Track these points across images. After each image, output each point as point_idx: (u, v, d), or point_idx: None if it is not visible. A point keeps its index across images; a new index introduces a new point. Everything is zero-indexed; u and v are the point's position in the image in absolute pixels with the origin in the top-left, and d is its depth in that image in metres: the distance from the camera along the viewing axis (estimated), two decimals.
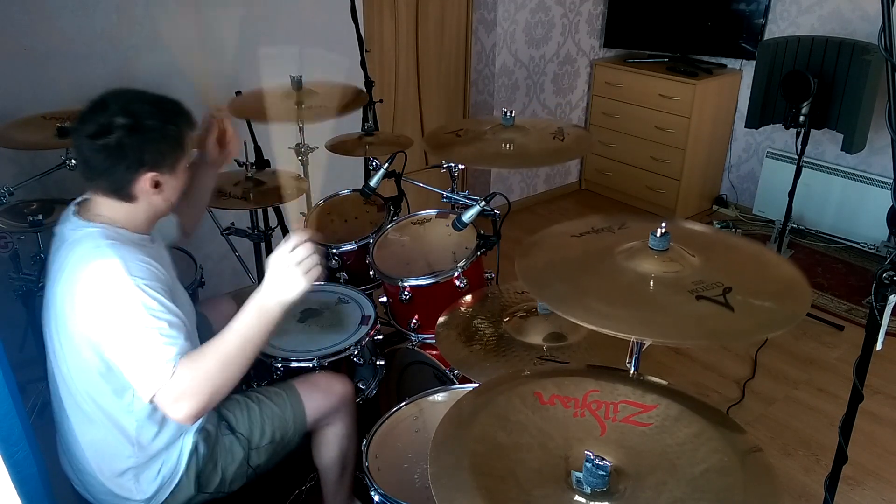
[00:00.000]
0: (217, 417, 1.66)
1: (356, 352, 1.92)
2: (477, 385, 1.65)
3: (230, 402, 1.70)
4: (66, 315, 1.40)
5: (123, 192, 1.45)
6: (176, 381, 1.35)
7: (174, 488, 1.57)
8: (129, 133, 1.40)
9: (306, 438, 1.81)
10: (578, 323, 1.18)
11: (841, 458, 1.49)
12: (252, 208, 2.41)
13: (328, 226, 2.55)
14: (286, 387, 1.76)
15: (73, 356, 1.43)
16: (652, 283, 1.26)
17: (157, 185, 1.46)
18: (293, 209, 2.55)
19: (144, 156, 1.42)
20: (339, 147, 2.53)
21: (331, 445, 1.82)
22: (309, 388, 1.76)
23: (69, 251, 1.42)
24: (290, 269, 1.39)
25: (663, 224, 1.29)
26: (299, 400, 1.73)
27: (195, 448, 1.58)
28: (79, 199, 1.53)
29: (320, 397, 1.76)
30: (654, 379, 1.29)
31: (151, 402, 1.38)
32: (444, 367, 1.95)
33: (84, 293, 1.37)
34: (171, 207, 1.55)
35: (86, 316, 1.37)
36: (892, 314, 1.36)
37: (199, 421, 1.60)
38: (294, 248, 1.39)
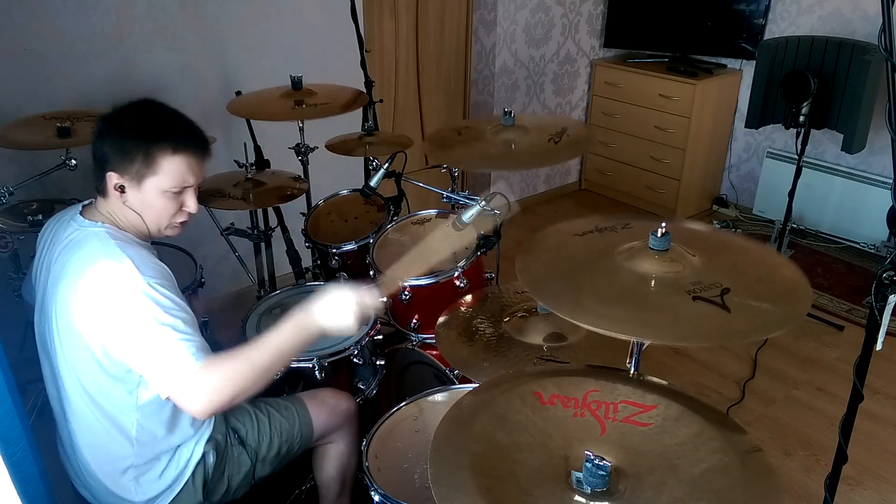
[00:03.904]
0: (227, 427, 1.65)
1: (356, 352, 1.92)
2: (477, 385, 1.66)
3: (240, 412, 1.70)
4: (71, 314, 1.39)
5: (99, 186, 1.49)
6: (204, 377, 1.34)
7: (178, 493, 1.56)
8: (111, 128, 1.46)
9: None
10: (573, 322, 1.18)
11: (841, 458, 1.49)
12: (252, 208, 2.41)
13: (328, 226, 2.55)
14: (295, 401, 1.76)
15: (77, 356, 1.42)
16: (653, 283, 1.25)
17: (121, 189, 1.46)
18: (293, 209, 2.55)
19: (108, 154, 1.46)
20: (339, 147, 2.53)
21: (332, 462, 1.82)
22: (317, 404, 1.76)
23: (73, 251, 1.42)
24: (351, 308, 1.44)
25: (663, 224, 1.29)
26: (307, 415, 1.74)
27: (204, 457, 1.58)
28: (85, 202, 1.55)
29: (327, 414, 1.76)
30: (654, 379, 1.29)
31: (169, 397, 1.37)
32: (444, 367, 1.95)
33: (93, 292, 1.36)
34: (148, 228, 1.52)
35: (95, 315, 1.37)
36: (892, 314, 1.36)
37: (210, 430, 1.60)
38: (367, 306, 1.47)
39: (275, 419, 1.71)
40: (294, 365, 1.87)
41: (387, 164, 2.23)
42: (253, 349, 1.40)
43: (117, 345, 1.37)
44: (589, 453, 1.02)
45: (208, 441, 1.60)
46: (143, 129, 1.47)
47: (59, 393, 1.51)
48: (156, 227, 1.53)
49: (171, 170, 1.48)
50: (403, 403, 1.72)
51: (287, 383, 1.90)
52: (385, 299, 1.52)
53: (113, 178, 1.45)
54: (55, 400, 1.54)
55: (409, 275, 1.89)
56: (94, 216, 1.49)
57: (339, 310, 1.44)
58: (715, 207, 4.38)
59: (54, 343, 1.46)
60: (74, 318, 1.39)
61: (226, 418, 1.66)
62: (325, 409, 1.76)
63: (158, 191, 1.48)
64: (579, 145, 2.20)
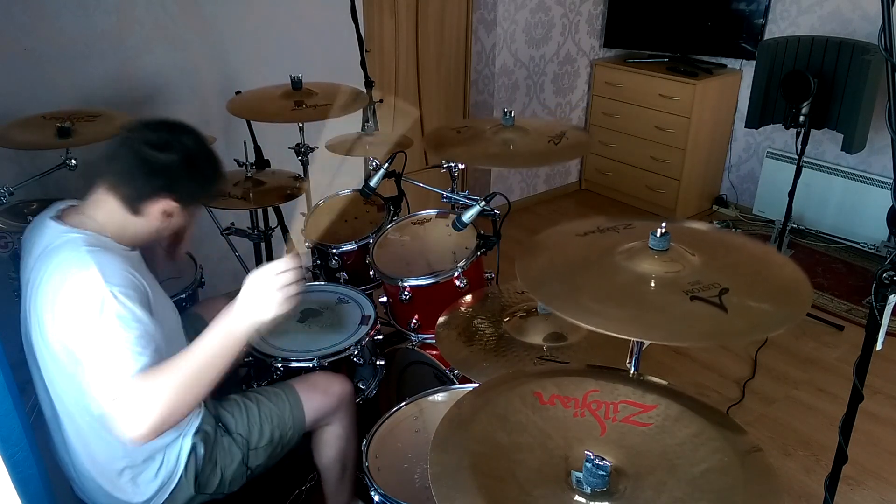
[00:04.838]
0: (215, 418, 1.65)
1: (356, 352, 1.92)
2: (477, 385, 1.66)
3: (228, 402, 1.70)
4: (45, 323, 1.38)
5: (135, 205, 1.46)
6: (131, 396, 1.29)
7: (173, 490, 1.57)
8: (182, 161, 1.45)
9: (307, 438, 1.81)
10: (570, 320, 1.19)
11: (841, 458, 1.49)
12: (252, 208, 2.41)
13: (328, 226, 2.55)
14: (285, 387, 1.75)
15: (55, 363, 1.41)
16: (652, 283, 1.26)
17: (168, 214, 1.49)
18: (293, 209, 2.56)
19: (180, 187, 1.47)
20: (339, 147, 2.53)
21: (330, 445, 1.82)
22: (308, 388, 1.76)
23: (49, 258, 1.40)
24: (273, 293, 1.34)
25: (663, 224, 1.29)
26: (298, 400, 1.73)
27: (193, 449, 1.58)
28: (61, 206, 1.52)
29: (319, 397, 1.76)
30: (654, 379, 1.29)
31: (105, 414, 1.32)
32: (444, 367, 1.95)
33: (61, 302, 1.35)
34: (157, 240, 1.58)
35: (62, 324, 1.35)
36: (892, 314, 1.36)
37: (197, 421, 1.60)
38: (282, 272, 1.35)
39: (264, 406, 1.70)
40: (295, 365, 1.87)
41: (387, 164, 2.24)
42: (180, 360, 1.33)
43: (77, 353, 1.35)
44: (589, 453, 1.02)
45: (196, 433, 1.59)
46: (217, 176, 1.54)
47: (49, 398, 1.50)
48: (161, 240, 1.59)
49: (211, 203, 1.58)
50: (403, 403, 1.72)
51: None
52: (300, 264, 1.39)
53: (167, 205, 1.47)
54: (46, 405, 1.53)
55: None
56: (74, 221, 1.45)
57: (262, 299, 1.35)
58: (715, 207, 4.38)
59: (40, 350, 1.45)
60: (47, 327, 1.38)
61: (214, 410, 1.66)
62: (316, 392, 1.76)
63: (191, 217, 1.57)
64: (578, 148, 2.20)
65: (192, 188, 1.51)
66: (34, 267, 1.44)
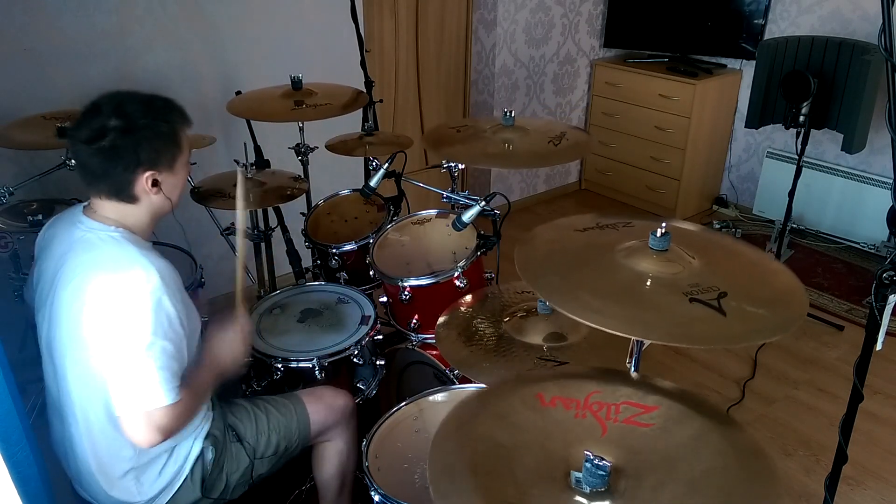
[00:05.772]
0: (224, 424, 1.66)
1: (356, 352, 1.92)
2: (479, 386, 1.66)
3: (238, 409, 1.70)
4: (80, 317, 1.38)
5: (125, 194, 1.45)
6: (176, 410, 1.40)
7: (176, 491, 1.56)
8: (122, 134, 1.40)
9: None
10: (569, 314, 1.19)
11: (841, 458, 1.49)
12: (252, 208, 2.41)
13: (328, 226, 2.55)
14: (293, 398, 1.76)
15: (85, 360, 1.41)
16: (649, 282, 1.26)
17: (155, 183, 1.46)
18: (293, 209, 2.56)
19: (140, 155, 1.42)
20: (339, 147, 2.53)
21: (330, 462, 1.82)
22: (313, 401, 1.77)
23: (82, 252, 1.41)
24: (242, 350, 1.64)
25: (663, 224, 1.29)
26: (305, 412, 1.74)
27: (202, 453, 1.59)
28: (85, 203, 1.53)
29: (324, 411, 1.76)
30: (656, 380, 1.28)
31: (123, 418, 1.38)
32: (444, 367, 1.95)
33: (110, 297, 1.35)
34: (172, 206, 1.54)
35: (107, 321, 1.36)
36: (892, 314, 1.36)
37: (208, 426, 1.61)
38: (244, 334, 1.65)
39: (273, 416, 1.71)
40: (294, 365, 1.87)
41: (387, 164, 2.23)
42: (203, 393, 1.53)
43: (105, 348, 1.36)
44: (588, 453, 1.02)
45: (206, 437, 1.60)
46: (162, 117, 1.47)
47: (61, 395, 1.49)
48: (177, 202, 1.56)
49: (187, 140, 1.53)
50: (403, 403, 1.72)
51: (287, 384, 1.90)
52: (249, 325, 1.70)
53: (148, 177, 1.44)
54: (55, 401, 1.53)
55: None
56: (100, 219, 1.46)
57: (236, 353, 1.62)
58: (715, 207, 4.38)
59: (62, 345, 1.44)
60: (84, 320, 1.38)
61: (224, 415, 1.67)
62: (322, 406, 1.76)
63: (184, 165, 1.53)
64: (578, 149, 2.20)
65: (154, 147, 1.44)
66: (62, 260, 1.44)
